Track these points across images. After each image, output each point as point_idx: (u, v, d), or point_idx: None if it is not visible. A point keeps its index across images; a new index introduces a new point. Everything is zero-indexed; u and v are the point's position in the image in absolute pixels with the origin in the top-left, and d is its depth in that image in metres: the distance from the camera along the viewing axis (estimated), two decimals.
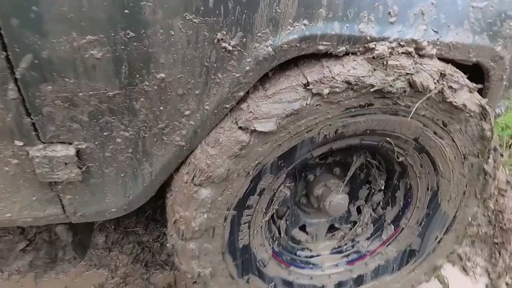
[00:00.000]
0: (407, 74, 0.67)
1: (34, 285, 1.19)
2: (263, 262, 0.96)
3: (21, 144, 0.59)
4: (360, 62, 0.65)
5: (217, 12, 0.54)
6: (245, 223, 0.86)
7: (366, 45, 0.64)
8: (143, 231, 1.34)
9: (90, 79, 0.54)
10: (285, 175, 0.84)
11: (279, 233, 1.07)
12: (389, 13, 0.64)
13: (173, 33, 0.53)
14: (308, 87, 0.65)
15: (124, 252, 1.29)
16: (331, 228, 1.16)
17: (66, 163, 0.64)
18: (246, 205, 0.82)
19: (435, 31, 0.68)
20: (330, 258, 1.11)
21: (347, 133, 0.78)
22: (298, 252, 1.10)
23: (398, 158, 0.92)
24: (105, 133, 0.63)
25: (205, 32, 0.55)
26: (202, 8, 0.53)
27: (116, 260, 1.27)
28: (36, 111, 0.55)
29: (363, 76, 0.65)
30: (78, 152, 0.64)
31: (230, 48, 0.57)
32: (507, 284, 1.37)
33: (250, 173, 0.74)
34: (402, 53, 0.67)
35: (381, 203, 1.12)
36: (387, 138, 0.83)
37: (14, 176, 0.63)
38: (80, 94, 0.55)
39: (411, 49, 0.67)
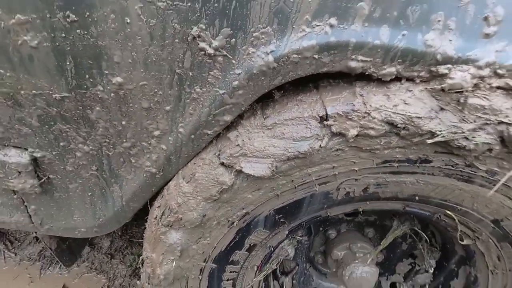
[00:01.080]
0: (501, 123, 0.37)
1: (38, 275, 1.13)
2: None
3: None
4: (418, 94, 0.38)
5: (191, 6, 0.34)
6: (228, 280, 0.63)
7: (434, 68, 0.37)
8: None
9: (30, 74, 0.39)
10: (287, 232, 0.59)
11: None
12: (487, 18, 0.35)
13: (129, 21, 0.35)
14: (326, 122, 0.40)
15: (124, 262, 1.17)
16: None
17: (19, 171, 0.51)
18: (230, 259, 0.59)
19: None
20: None
21: (383, 195, 0.50)
22: None
23: (461, 240, 0.58)
24: (61, 143, 0.48)
25: (175, 23, 0.35)
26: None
27: (116, 268, 1.15)
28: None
29: (420, 118, 0.37)
30: (35, 161, 0.51)
31: (211, 51, 0.37)
32: None
33: (235, 223, 0.52)
34: (498, 87, 0.38)
35: (426, 286, 0.76)
36: (448, 211, 0.51)
37: None
38: (22, 91, 0.41)
39: (510, 80, 0.37)
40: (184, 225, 0.51)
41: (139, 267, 1.13)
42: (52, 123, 0.46)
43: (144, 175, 0.52)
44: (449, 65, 0.37)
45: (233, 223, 0.51)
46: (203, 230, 0.52)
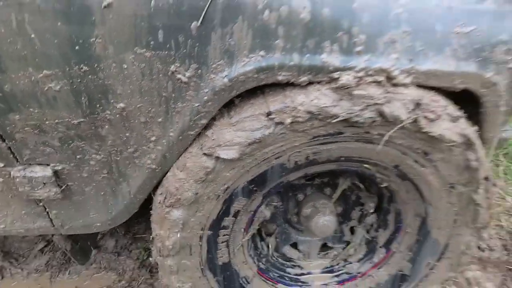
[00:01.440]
0: (376, 104, 0.58)
1: (49, 284, 1.22)
2: (247, 279, 0.90)
3: (2, 165, 0.59)
4: (324, 91, 0.58)
5: (168, 45, 0.50)
6: (222, 242, 0.82)
7: (330, 74, 0.57)
8: (150, 237, 1.33)
9: (54, 109, 0.53)
10: (261, 198, 0.78)
11: (268, 250, 1.00)
12: (355, 42, 0.56)
13: (126, 66, 0.51)
14: (270, 116, 0.59)
15: (131, 257, 1.30)
16: (324, 247, 1.07)
17: (44, 183, 0.63)
18: (222, 225, 0.78)
19: (409, 59, 0.59)
20: (320, 277, 1.03)
21: (320, 160, 0.70)
22: (288, 270, 1.03)
23: (381, 183, 0.81)
24: (77, 156, 0.62)
25: (158, 64, 0.52)
26: (152, 42, 0.50)
27: (123, 264, 1.28)
28: (9, 137, 0.55)
29: (327, 106, 0.57)
30: (56, 173, 0.64)
31: (185, 79, 0.53)
32: None
33: (221, 196, 0.70)
34: (372, 82, 0.59)
35: (374, 225, 1.01)
36: (365, 165, 0.74)
37: (2, 192, 0.64)
38: (47, 122, 0.55)
39: (381, 78, 0.58)
40: (183, 203, 0.67)
41: (146, 259, 1.27)
42: (70, 141, 0.59)
43: (147, 171, 0.67)
44: (339, 72, 0.57)
45: (219, 196, 0.68)
46: (197, 205, 0.69)
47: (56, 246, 1.31)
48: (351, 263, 1.04)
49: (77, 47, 0.48)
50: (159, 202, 0.73)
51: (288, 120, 0.59)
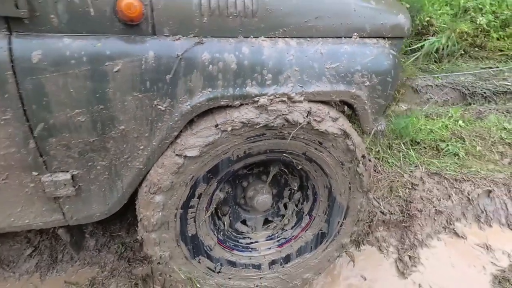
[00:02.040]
0: (283, 114, 1.00)
1: (40, 282, 1.45)
2: (210, 247, 1.26)
3: (36, 173, 0.89)
4: (250, 109, 0.98)
5: (152, 89, 0.86)
6: (191, 218, 1.17)
7: (252, 99, 0.97)
8: (125, 234, 1.62)
9: (78, 133, 0.85)
10: (216, 183, 1.16)
11: (224, 226, 1.37)
12: (265, 79, 0.97)
13: (126, 104, 0.85)
14: (218, 127, 0.97)
15: (111, 252, 1.57)
16: (266, 221, 1.48)
17: (65, 184, 0.93)
18: (190, 205, 1.13)
19: (300, 86, 1.02)
20: (265, 244, 1.43)
21: (253, 153, 1.11)
22: (240, 240, 1.41)
23: (297, 166, 1.24)
24: (89, 163, 0.94)
25: (146, 101, 0.87)
26: (143, 88, 0.85)
27: (104, 258, 1.55)
28: (46, 153, 0.86)
29: (252, 118, 0.98)
30: (73, 177, 0.94)
31: (163, 108, 0.90)
32: (410, 257, 1.69)
33: (188, 183, 1.06)
34: (279, 101, 1.00)
35: (299, 199, 1.45)
36: (284, 154, 1.16)
37: (31, 194, 0.93)
38: (72, 141, 0.86)
39: (284, 98, 1.00)
40: (163, 190, 1.02)
41: (123, 251, 1.55)
42: (86, 154, 0.91)
43: (136, 170, 1.00)
44: (257, 97, 0.98)
45: (187, 183, 1.04)
46: (173, 191, 1.04)
47: (43, 250, 1.54)
48: (286, 230, 1.45)
49: (97, 94, 0.82)
50: (145, 192, 1.06)
51: (229, 128, 0.98)
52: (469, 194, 2.02)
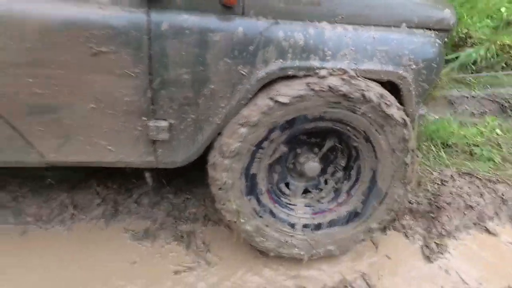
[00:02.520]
0: (362, 90, 1.21)
1: (104, 226, 1.74)
2: (261, 192, 1.46)
3: (145, 119, 1.19)
4: (337, 78, 1.20)
5: (239, 57, 1.13)
6: (258, 158, 1.31)
7: (314, 71, 1.21)
8: (173, 196, 1.90)
9: (182, 89, 1.15)
10: (286, 136, 1.33)
11: (273, 180, 1.58)
12: (325, 55, 1.20)
13: (219, 67, 1.13)
14: (309, 84, 1.18)
15: (161, 209, 1.82)
16: (305, 191, 1.67)
17: (163, 130, 1.23)
18: (262, 146, 1.28)
19: (354, 63, 1.24)
20: (302, 208, 1.59)
21: (325, 117, 1.29)
22: (282, 198, 1.60)
23: (353, 143, 1.43)
24: (183, 115, 1.21)
25: (233, 66, 1.14)
26: (231, 56, 1.12)
27: (156, 214, 1.80)
28: (156, 103, 1.15)
29: (337, 85, 1.19)
30: (170, 125, 1.23)
31: (244, 73, 1.16)
32: (437, 244, 1.77)
33: (268, 126, 1.25)
34: (337, 75, 1.22)
35: (341, 178, 1.62)
36: (348, 127, 1.36)
37: (138, 137, 1.23)
38: (176, 95, 1.15)
39: (341, 73, 1.22)
40: (249, 124, 1.16)
41: (171, 211, 1.82)
42: (182, 107, 1.19)
43: (214, 126, 1.24)
44: (319, 69, 1.21)
45: (268, 125, 1.20)
46: (256, 128, 1.18)
47: (108, 202, 1.84)
48: (322, 203, 1.61)
49: (200, 58, 1.10)
50: (234, 123, 1.22)
51: (317, 88, 1.17)
52: (503, 195, 2.04)
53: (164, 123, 1.22)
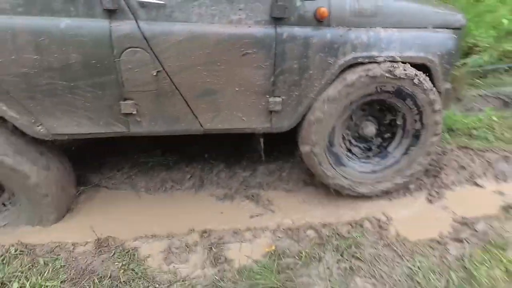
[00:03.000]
0: (407, 74, 1.87)
1: (194, 193, 2.37)
2: (336, 148, 2.11)
3: (268, 96, 1.84)
4: (394, 65, 1.86)
5: (328, 52, 1.79)
6: (340, 122, 2.04)
7: (374, 58, 1.86)
8: (243, 171, 2.54)
9: (291, 75, 1.81)
10: (358, 106, 2.02)
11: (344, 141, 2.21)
12: (382, 48, 1.86)
13: (315, 59, 1.79)
14: (368, 74, 1.84)
15: (234, 181, 2.46)
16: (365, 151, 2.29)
17: (278, 103, 1.87)
18: (346, 110, 1.99)
19: (400, 52, 1.89)
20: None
21: (383, 90, 1.94)
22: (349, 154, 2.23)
23: (408, 111, 2.06)
24: (290, 93, 1.86)
25: (324, 58, 1.80)
26: (324, 51, 1.78)
27: (231, 184, 2.43)
28: (275, 85, 1.81)
29: (394, 69, 1.85)
30: (282, 100, 1.87)
31: (331, 62, 1.81)
32: (437, 192, 2.30)
33: (354, 96, 1.92)
34: (390, 61, 1.87)
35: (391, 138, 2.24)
36: (402, 99, 1.99)
37: (261, 109, 1.87)
38: (287, 79, 1.81)
39: (391, 58, 1.87)
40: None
41: (242, 182, 2.44)
42: (290, 87, 1.84)
43: (310, 100, 1.89)
44: (377, 58, 1.87)
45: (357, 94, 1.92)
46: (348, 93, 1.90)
47: (196, 175, 2.47)
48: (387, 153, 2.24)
49: (304, 53, 1.76)
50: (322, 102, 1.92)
51: (378, 73, 1.84)
52: (490, 160, 2.58)
53: (278, 99, 1.87)
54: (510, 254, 1.77)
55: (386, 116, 2.19)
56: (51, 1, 1.50)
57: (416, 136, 2.11)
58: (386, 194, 2.25)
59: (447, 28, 2.00)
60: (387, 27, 1.88)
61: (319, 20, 1.77)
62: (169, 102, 1.78)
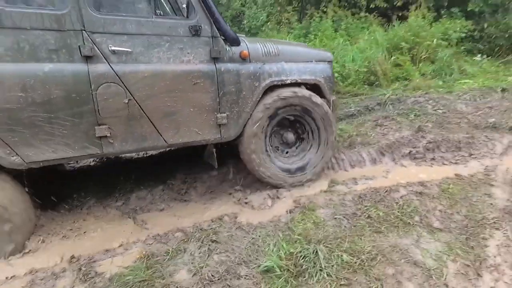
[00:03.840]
0: (304, 94, 2.78)
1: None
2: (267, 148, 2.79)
3: (216, 113, 2.45)
4: (287, 90, 2.73)
5: (254, 78, 2.58)
6: (269, 129, 2.75)
7: (284, 81, 2.73)
8: (117, 202, 3.06)
9: (232, 96, 2.49)
10: (280, 118, 2.80)
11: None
12: (286, 74, 2.76)
13: (246, 84, 2.54)
14: (280, 96, 2.67)
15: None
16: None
17: (224, 118, 2.49)
18: (267, 124, 2.73)
19: (298, 76, 2.83)
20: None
21: (292, 106, 2.80)
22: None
23: (307, 120, 2.94)
24: (232, 109, 2.51)
25: (252, 83, 2.57)
26: (250, 78, 2.56)
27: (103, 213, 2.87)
28: (220, 105, 2.46)
29: (290, 94, 2.72)
30: (227, 115, 2.50)
31: (257, 85, 2.59)
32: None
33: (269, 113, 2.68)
34: (293, 83, 2.78)
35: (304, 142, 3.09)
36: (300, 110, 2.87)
37: (212, 123, 2.46)
38: (230, 99, 2.49)
39: (296, 81, 2.79)
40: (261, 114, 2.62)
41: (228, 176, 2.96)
42: (232, 104, 2.51)
43: (247, 114, 2.57)
44: (285, 80, 2.76)
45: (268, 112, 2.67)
46: (265, 114, 2.64)
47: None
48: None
49: (238, 80, 2.50)
50: (251, 125, 2.63)
51: (288, 95, 2.69)
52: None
53: (224, 114, 2.50)
54: (317, 212, 2.43)
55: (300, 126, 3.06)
56: (37, 51, 1.89)
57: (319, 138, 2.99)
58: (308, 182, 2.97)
59: (324, 61, 3.08)
60: (287, 62, 2.82)
61: (243, 59, 2.58)
62: (138, 124, 2.22)
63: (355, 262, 1.91)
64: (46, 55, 1.91)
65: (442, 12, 7.01)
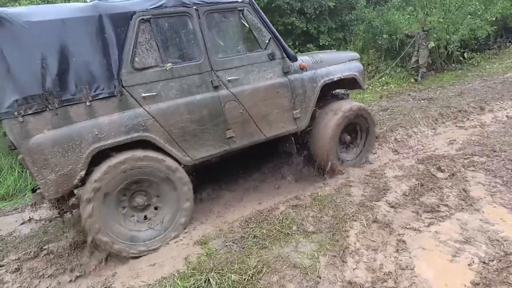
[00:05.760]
0: (358, 107, 3.99)
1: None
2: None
3: (293, 110, 3.63)
4: (354, 106, 3.94)
5: (313, 80, 3.79)
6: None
7: (333, 79, 3.94)
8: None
9: (301, 98, 3.70)
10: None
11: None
12: (333, 73, 3.97)
13: (308, 87, 3.75)
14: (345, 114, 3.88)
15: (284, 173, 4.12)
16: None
17: (298, 113, 3.65)
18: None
19: (341, 74, 4.04)
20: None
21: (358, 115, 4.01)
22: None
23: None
24: (302, 106, 3.67)
25: (311, 85, 3.78)
26: (311, 81, 3.76)
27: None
28: (296, 104, 3.65)
29: (355, 108, 3.94)
30: (299, 111, 3.68)
31: (315, 85, 3.78)
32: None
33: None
34: (339, 78, 3.99)
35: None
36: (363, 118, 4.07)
37: (291, 118, 3.61)
38: (302, 100, 3.69)
39: (340, 77, 4.00)
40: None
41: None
42: (303, 104, 3.70)
43: (311, 108, 3.76)
44: None
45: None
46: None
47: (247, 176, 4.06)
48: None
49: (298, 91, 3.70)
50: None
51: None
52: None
53: (297, 111, 3.65)
54: (209, 244, 2.69)
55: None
56: (191, 88, 3.11)
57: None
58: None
59: (354, 60, 4.28)
60: (330, 65, 4.02)
61: (302, 69, 3.78)
62: (248, 125, 3.38)
63: (244, 279, 2.06)
64: (195, 90, 3.11)
65: None
